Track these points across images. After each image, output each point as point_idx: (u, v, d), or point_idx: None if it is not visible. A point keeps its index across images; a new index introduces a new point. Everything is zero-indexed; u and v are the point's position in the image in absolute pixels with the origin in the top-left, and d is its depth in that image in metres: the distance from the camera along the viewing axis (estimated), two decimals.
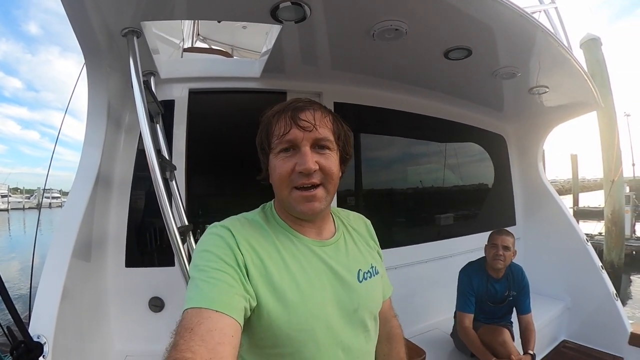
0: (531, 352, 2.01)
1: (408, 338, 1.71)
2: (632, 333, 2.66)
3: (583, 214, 20.22)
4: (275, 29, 1.63)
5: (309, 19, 1.42)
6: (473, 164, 3.59)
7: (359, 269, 0.83)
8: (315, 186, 0.75)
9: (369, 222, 1.02)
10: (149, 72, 1.88)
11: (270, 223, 0.80)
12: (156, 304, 1.94)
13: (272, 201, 0.86)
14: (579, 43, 9.48)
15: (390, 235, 2.84)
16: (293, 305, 0.70)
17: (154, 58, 1.82)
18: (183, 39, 3.46)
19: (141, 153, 1.95)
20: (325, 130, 0.76)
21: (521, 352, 2.01)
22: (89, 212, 1.60)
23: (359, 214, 1.02)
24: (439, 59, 1.92)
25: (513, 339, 2.13)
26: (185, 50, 3.14)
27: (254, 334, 0.70)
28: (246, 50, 4.88)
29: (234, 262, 0.68)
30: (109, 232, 1.89)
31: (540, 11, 2.22)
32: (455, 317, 2.28)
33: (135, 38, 1.48)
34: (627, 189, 13.71)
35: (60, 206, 43.06)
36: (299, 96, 2.40)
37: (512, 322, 2.31)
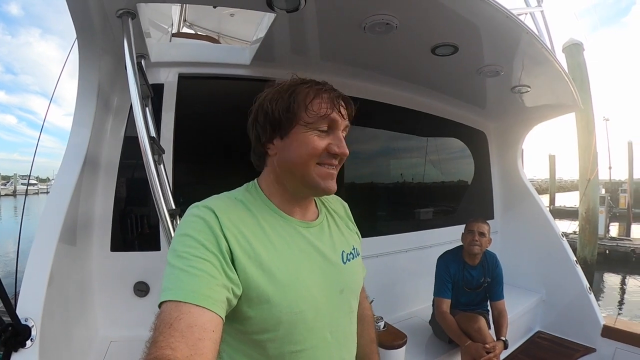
0: (503, 339, 2.11)
1: (390, 323, 1.79)
2: (604, 325, 2.78)
3: (559, 213, 20.85)
4: (268, 17, 1.64)
5: (303, 9, 1.44)
6: (454, 158, 3.69)
7: (343, 250, 0.84)
8: (336, 167, 0.78)
9: (346, 204, 1.03)
10: (140, 55, 1.86)
11: (256, 202, 0.77)
12: (141, 289, 1.93)
13: (256, 180, 0.84)
14: (562, 47, 9.74)
15: (372, 224, 2.90)
16: (283, 286, 0.69)
17: (146, 40, 1.80)
18: (172, 24, 3.41)
19: (129, 136, 1.94)
20: (348, 120, 0.80)
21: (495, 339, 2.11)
22: (76, 194, 1.58)
23: (336, 196, 1.01)
24: (426, 54, 1.96)
25: (489, 327, 2.23)
26: (173, 35, 3.11)
27: (242, 319, 0.68)
28: (232, 38, 4.86)
29: (216, 248, 0.65)
30: (95, 215, 1.87)
31: (526, 13, 2.30)
32: (433, 303, 2.37)
33: (130, 19, 1.46)
34: (603, 191, 14.27)
35: (37, 193, 41.77)
36: None
37: (488, 310, 2.42)
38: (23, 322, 1.18)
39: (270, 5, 1.41)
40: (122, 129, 1.96)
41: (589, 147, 9.25)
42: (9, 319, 1.17)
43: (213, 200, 0.74)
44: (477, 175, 3.78)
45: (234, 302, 0.65)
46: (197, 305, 0.56)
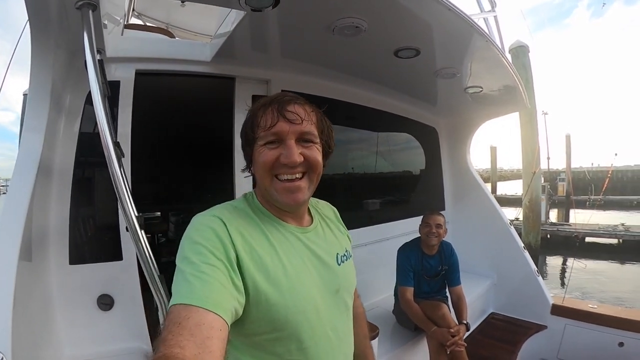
0: (465, 322, 2.27)
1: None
2: (553, 304, 3.05)
3: (500, 201, 22.24)
4: (235, 14, 1.58)
5: (275, 9, 1.41)
6: (407, 154, 3.86)
7: (337, 253, 0.90)
8: (297, 177, 0.78)
9: (335, 209, 1.08)
10: (97, 50, 1.76)
11: (255, 211, 0.81)
12: (105, 302, 1.82)
13: (253, 191, 0.88)
14: (509, 48, 10.36)
15: None
16: (287, 289, 0.73)
17: (104, 35, 1.68)
18: (125, 15, 3.22)
19: (83, 139, 1.81)
20: (309, 125, 0.79)
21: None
22: (30, 205, 1.46)
23: (325, 202, 1.06)
24: (388, 56, 2.02)
25: (450, 312, 2.38)
26: (125, 27, 2.94)
27: (250, 321, 0.71)
28: (182, 29, 4.67)
29: (224, 256, 0.67)
30: (50, 227, 1.73)
31: (480, 18, 2.43)
32: (395, 294, 2.48)
33: (90, 11, 1.34)
34: (542, 180, 15.48)
35: None
36: (248, 81, 2.30)
37: (447, 297, 2.58)
38: None
39: (241, 3, 1.37)
40: (75, 131, 1.82)
41: (532, 142, 9.94)
42: None
43: (219, 210, 0.77)
44: (428, 170, 3.98)
45: (240, 312, 0.66)
46: (206, 309, 0.58)
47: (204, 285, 0.61)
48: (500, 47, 2.19)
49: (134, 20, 4.36)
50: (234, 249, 0.69)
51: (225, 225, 0.71)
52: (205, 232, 0.70)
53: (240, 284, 0.67)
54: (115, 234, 1.83)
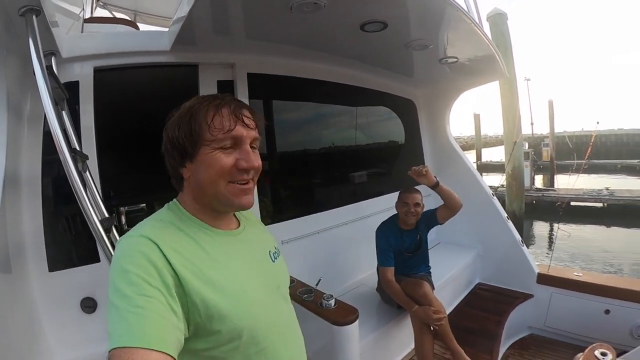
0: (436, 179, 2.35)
1: (337, 297, 1.85)
2: (539, 273, 3.11)
3: (486, 168, 22.55)
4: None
5: None
6: (386, 129, 3.84)
7: (269, 251, 0.92)
8: (249, 181, 0.78)
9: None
10: (49, 53, 1.67)
11: (183, 222, 0.77)
12: (88, 305, 1.85)
13: (176, 200, 0.83)
14: (486, 16, 10.23)
15: (311, 201, 2.99)
16: (235, 296, 0.72)
17: (54, 34, 1.61)
18: (83, 8, 3.05)
19: (48, 145, 1.76)
20: (257, 131, 0.80)
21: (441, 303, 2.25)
22: (2, 219, 1.45)
23: None
24: (355, 31, 1.96)
25: (433, 288, 2.41)
26: (85, 20, 2.79)
27: (206, 338, 0.69)
28: (150, 15, 4.57)
29: (160, 282, 0.62)
30: (25, 236, 1.72)
31: None
32: (378, 273, 2.50)
33: (34, 17, 1.31)
34: (527, 146, 15.65)
35: None
36: (212, 67, 2.25)
37: (430, 272, 2.61)
38: None
39: None
40: (39, 137, 1.78)
41: (513, 110, 10.00)
42: None
43: (148, 228, 0.72)
44: (408, 143, 3.98)
45: (182, 341, 0.63)
46: (148, 349, 0.54)
47: (142, 321, 0.57)
48: (474, 16, 2.12)
49: (99, 11, 4.18)
50: (171, 271, 0.65)
51: (158, 246, 0.66)
52: (136, 257, 0.64)
53: (180, 312, 0.63)
54: (91, 237, 1.80)
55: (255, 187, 0.83)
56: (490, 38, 2.46)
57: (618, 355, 1.53)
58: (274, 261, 0.91)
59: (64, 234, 1.88)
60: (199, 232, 0.76)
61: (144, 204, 3.91)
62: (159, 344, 0.55)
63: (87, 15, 3.30)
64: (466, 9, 1.92)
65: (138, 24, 4.07)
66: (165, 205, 0.82)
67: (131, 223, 2.04)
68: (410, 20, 1.93)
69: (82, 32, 2.49)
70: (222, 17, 1.73)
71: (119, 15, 4.35)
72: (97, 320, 1.84)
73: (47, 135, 1.74)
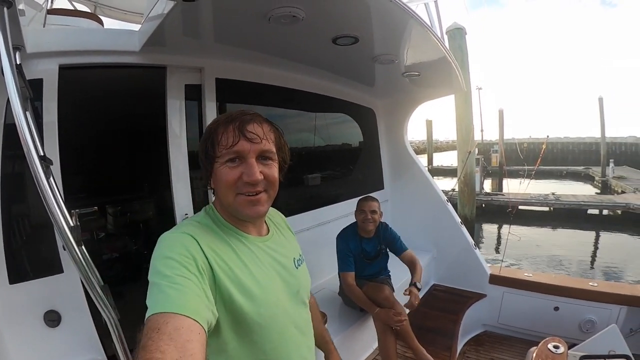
0: (415, 283, 2.37)
1: None
2: (491, 274, 3.33)
3: (437, 172, 23.56)
4: (164, 3, 1.45)
5: None
6: (346, 136, 3.93)
7: (294, 257, 0.99)
8: (259, 192, 0.82)
9: (283, 216, 1.15)
10: (14, 47, 1.49)
11: (218, 225, 0.85)
12: (52, 318, 1.70)
13: (212, 204, 0.91)
14: (445, 30, 10.70)
15: (275, 206, 2.95)
16: (258, 298, 0.78)
17: (22, 28, 1.46)
18: (45, 1, 2.82)
19: (4, 148, 1.60)
20: (268, 143, 0.83)
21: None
22: None
23: (275, 209, 1.11)
24: (327, 44, 1.99)
25: (393, 291, 2.50)
26: (48, 12, 2.59)
27: (226, 330, 0.75)
28: (110, 7, 4.31)
29: (197, 270, 0.69)
30: None
31: (419, 4, 2.45)
32: (340, 277, 2.55)
33: (5, 9, 1.18)
34: (476, 152, 16.54)
35: None
36: (180, 70, 2.19)
37: (390, 275, 2.71)
38: None
39: None
40: None
41: (467, 121, 10.48)
42: None
43: (187, 227, 0.80)
44: (367, 151, 4.09)
45: (213, 324, 0.69)
46: (184, 315, 0.60)
47: (179, 294, 0.63)
48: (439, 34, 2.23)
49: (61, 4, 3.86)
50: (207, 264, 0.73)
51: (197, 242, 0.74)
52: (177, 247, 0.72)
53: (212, 298, 0.70)
54: (52, 246, 1.69)
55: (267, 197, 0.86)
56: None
57: (569, 348, 1.70)
58: (297, 267, 0.97)
59: (24, 243, 1.73)
60: (232, 237, 0.84)
61: (96, 207, 3.72)
62: (193, 313, 0.61)
63: (49, 6, 3.07)
64: (430, 25, 2.00)
65: (100, 16, 3.86)
66: (203, 209, 0.91)
67: (83, 227, 1.91)
68: (381, 36, 1.98)
69: (44, 24, 2.31)
70: (196, 23, 1.68)
71: (79, 6, 4.08)
72: (62, 335, 1.70)
73: (6, 137, 1.59)
